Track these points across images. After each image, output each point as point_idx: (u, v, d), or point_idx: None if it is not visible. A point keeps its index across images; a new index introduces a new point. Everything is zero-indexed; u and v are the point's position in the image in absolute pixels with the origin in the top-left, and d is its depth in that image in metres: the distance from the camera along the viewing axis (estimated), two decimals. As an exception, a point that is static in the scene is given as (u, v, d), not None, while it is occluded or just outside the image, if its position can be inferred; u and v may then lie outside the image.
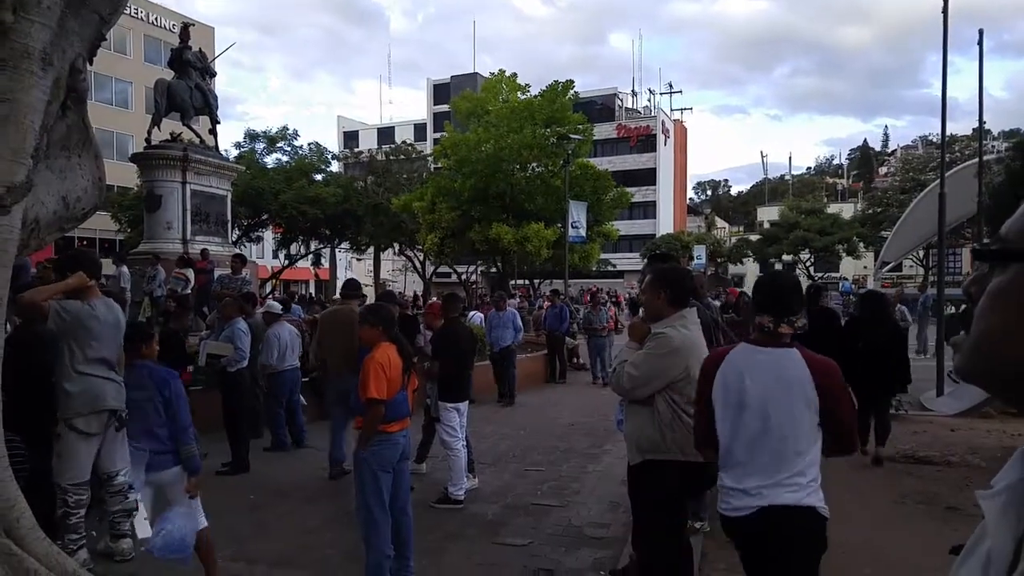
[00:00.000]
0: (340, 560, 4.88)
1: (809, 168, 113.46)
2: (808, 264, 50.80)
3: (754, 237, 58.59)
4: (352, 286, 8.14)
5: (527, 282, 36.32)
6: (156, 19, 43.90)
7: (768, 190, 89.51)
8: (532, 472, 7.35)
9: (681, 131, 69.80)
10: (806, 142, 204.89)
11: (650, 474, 3.33)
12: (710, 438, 2.85)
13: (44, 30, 2.93)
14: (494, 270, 33.89)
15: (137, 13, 41.58)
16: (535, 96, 28.66)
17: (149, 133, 15.88)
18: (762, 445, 2.72)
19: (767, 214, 66.35)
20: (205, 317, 11.85)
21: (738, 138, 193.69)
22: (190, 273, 13.25)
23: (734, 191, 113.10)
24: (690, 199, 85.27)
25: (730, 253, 58.34)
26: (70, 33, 3.28)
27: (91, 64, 3.79)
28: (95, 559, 3.86)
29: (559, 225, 26.56)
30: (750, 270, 64.00)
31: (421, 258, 38.06)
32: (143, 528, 3.89)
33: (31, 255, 4.29)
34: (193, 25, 19.48)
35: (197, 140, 16.42)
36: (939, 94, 11.56)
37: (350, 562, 4.73)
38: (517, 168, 28.00)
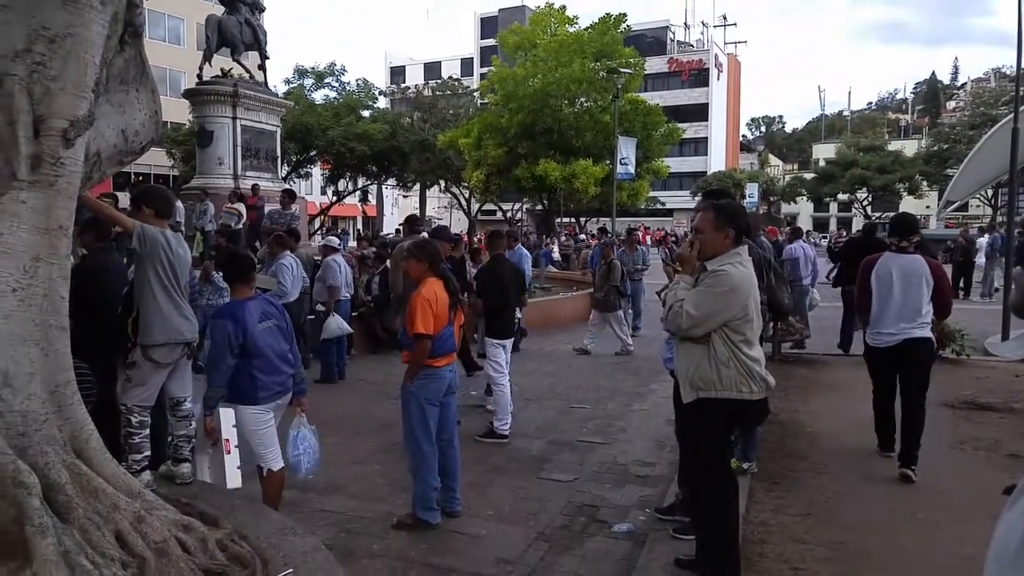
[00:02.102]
0: (388, 489, 5.04)
1: (870, 103, 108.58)
2: (865, 203, 49.10)
3: (809, 175, 56.77)
4: (441, 231, 8.27)
5: (573, 220, 36.01)
6: (207, -47, 43.61)
7: (825, 127, 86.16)
8: (577, 409, 7.41)
9: (735, 65, 67.23)
10: (868, 77, 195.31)
11: (702, 412, 3.31)
12: (866, 307, 5.30)
13: (98, -40, 2.91)
14: (540, 207, 33.66)
15: (189, -52, 41.34)
16: (585, 29, 27.80)
17: (200, 69, 15.98)
18: (903, 306, 5.12)
19: (823, 151, 64.05)
20: (256, 252, 12.10)
21: (795, 73, 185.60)
22: (242, 208, 13.44)
23: (789, 128, 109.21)
24: (743, 136, 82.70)
25: (783, 192, 56.74)
26: (124, -35, 3.26)
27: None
28: (157, 481, 4.04)
29: (607, 162, 26.09)
30: (803, 209, 62.15)
31: (467, 195, 37.99)
32: (234, 478, 4.01)
33: (91, 188, 4.36)
34: (243, -41, 19.26)
35: (247, 75, 16.46)
36: (1013, 23, 10.80)
37: (398, 491, 4.87)
38: (565, 103, 27.41)
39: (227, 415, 4.03)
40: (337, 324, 8.46)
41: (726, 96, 64.58)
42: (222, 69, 16.18)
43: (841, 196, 48.93)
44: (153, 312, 4.03)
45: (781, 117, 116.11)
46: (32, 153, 2.86)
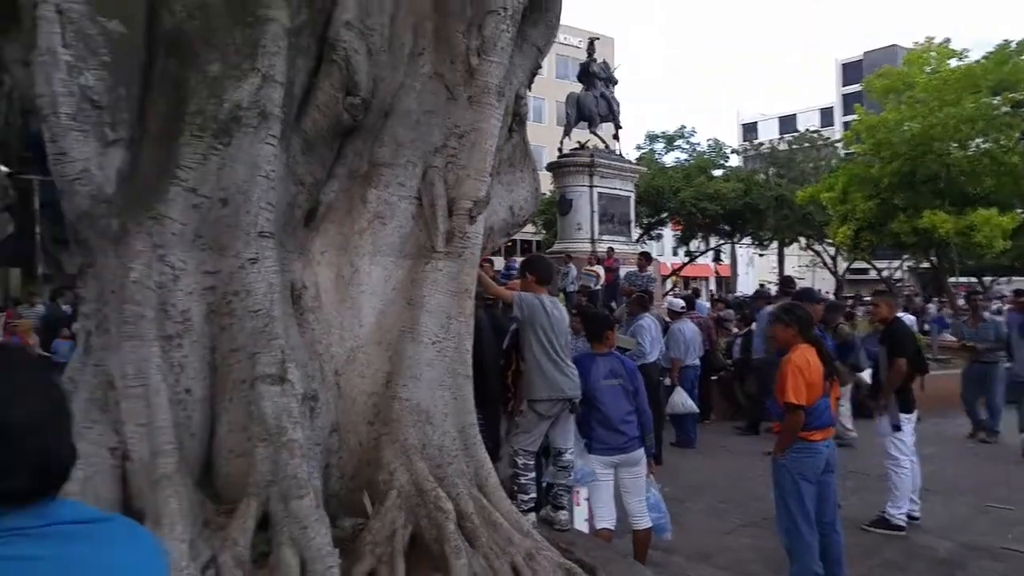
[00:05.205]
0: (760, 565, 4.78)
1: None
2: None
3: None
4: (808, 293, 7.91)
5: (973, 279, 30.86)
6: (565, 38, 48.57)
7: None
8: (998, 510, 6.18)
9: None
10: None
11: None
12: None
13: (499, 67, 3.45)
14: (926, 265, 29.55)
15: (551, 36, 46.49)
16: (976, 61, 24.20)
17: (561, 143, 17.67)
18: None
19: None
20: (612, 312, 12.66)
21: None
22: (600, 270, 14.28)
23: None
24: None
25: None
26: (516, 67, 3.82)
27: (529, 90, 4.36)
28: (538, 524, 4.40)
29: (1020, 211, 21.93)
30: None
31: (832, 252, 35.22)
32: (580, 524, 4.37)
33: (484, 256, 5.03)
34: (598, 39, 21.03)
35: (602, 146, 17.72)
36: None
37: (772, 570, 4.59)
38: (954, 146, 23.94)
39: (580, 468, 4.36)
40: (682, 401, 8.26)
41: None
42: (579, 141, 17.66)
43: None
44: (536, 371, 4.42)
45: None
46: (446, 230, 3.46)
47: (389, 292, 3.44)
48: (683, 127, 35.87)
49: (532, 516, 4.28)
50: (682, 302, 9.95)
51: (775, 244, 37.35)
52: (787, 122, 64.55)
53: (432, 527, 2.89)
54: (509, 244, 36.08)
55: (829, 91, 66.76)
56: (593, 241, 16.58)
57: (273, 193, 2.98)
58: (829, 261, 36.28)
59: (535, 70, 4.28)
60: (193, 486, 2.75)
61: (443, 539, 2.82)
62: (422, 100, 3.47)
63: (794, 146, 38.11)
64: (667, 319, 9.44)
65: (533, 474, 4.49)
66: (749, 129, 68.07)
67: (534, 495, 4.46)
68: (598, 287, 13.52)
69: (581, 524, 4.39)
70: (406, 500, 3.00)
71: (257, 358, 2.83)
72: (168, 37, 3.03)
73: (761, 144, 44.16)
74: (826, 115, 63.35)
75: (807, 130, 42.21)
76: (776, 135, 50.76)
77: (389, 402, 3.25)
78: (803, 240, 36.08)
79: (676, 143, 35.77)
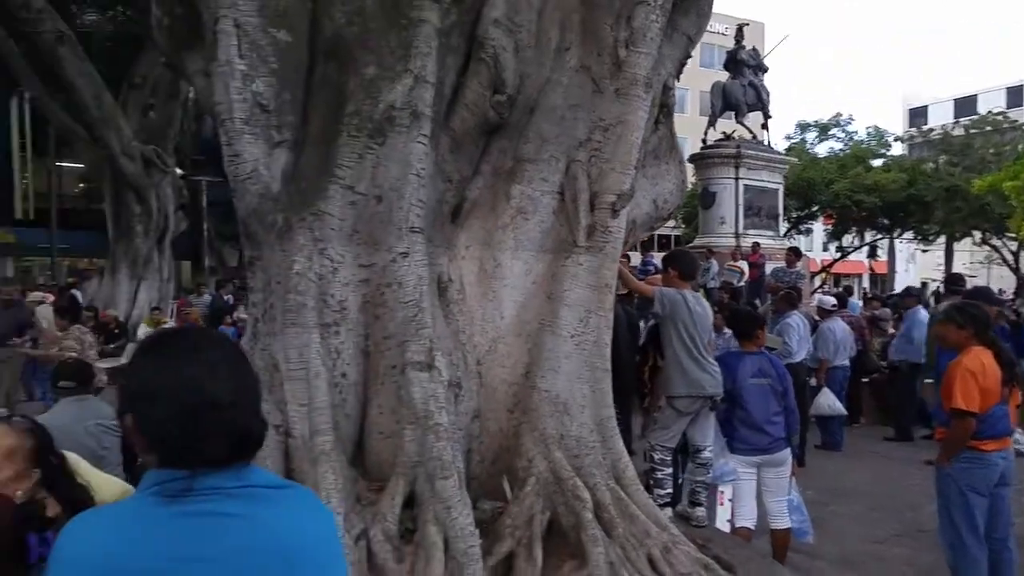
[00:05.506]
0: (915, 581, 4.45)
1: None
2: None
3: None
4: (982, 292, 7.19)
5: None
6: (711, 25, 46.80)
7: None
8: None
9: None
10: None
11: None
12: None
13: (648, 58, 3.40)
14: None
15: (695, 24, 45.15)
16: None
17: (705, 134, 17.10)
18: None
19: None
20: (755, 308, 12.12)
21: None
22: (744, 266, 13.74)
23: None
24: None
25: None
26: (665, 57, 3.75)
27: (678, 80, 4.26)
28: (675, 519, 4.35)
29: None
30: None
31: (1014, 248, 31.82)
32: (722, 524, 4.29)
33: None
34: (747, 24, 20.11)
35: (749, 136, 16.98)
36: None
37: (928, 587, 4.27)
38: None
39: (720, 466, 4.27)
40: (828, 403, 7.84)
41: None
42: (724, 132, 17.01)
43: None
44: (676, 368, 4.37)
45: None
46: (588, 224, 3.47)
47: (529, 286, 3.51)
48: (838, 115, 33.69)
49: (668, 511, 4.23)
50: (833, 300, 9.48)
51: (942, 239, 34.20)
52: (965, 105, 58.50)
53: (569, 515, 2.93)
54: (646, 239, 35.36)
55: (1019, 68, 59.97)
56: (737, 236, 15.98)
57: (423, 190, 3.12)
58: (1010, 257, 32.77)
59: (684, 60, 4.20)
60: (347, 463, 2.95)
61: (580, 527, 2.86)
62: (568, 94, 3.49)
63: (972, 131, 34.61)
64: (816, 317, 9.01)
65: (670, 470, 4.47)
66: (917, 114, 62.51)
67: (670, 490, 4.44)
68: (741, 283, 13.04)
69: (723, 524, 4.29)
70: (544, 487, 3.06)
71: (407, 346, 2.98)
72: (328, 43, 3.24)
73: (931, 130, 40.56)
74: (1014, 95, 56.76)
75: (989, 112, 38.19)
76: (950, 119, 46.37)
77: (528, 392, 3.33)
78: (977, 234, 32.80)
79: (830, 132, 33.66)
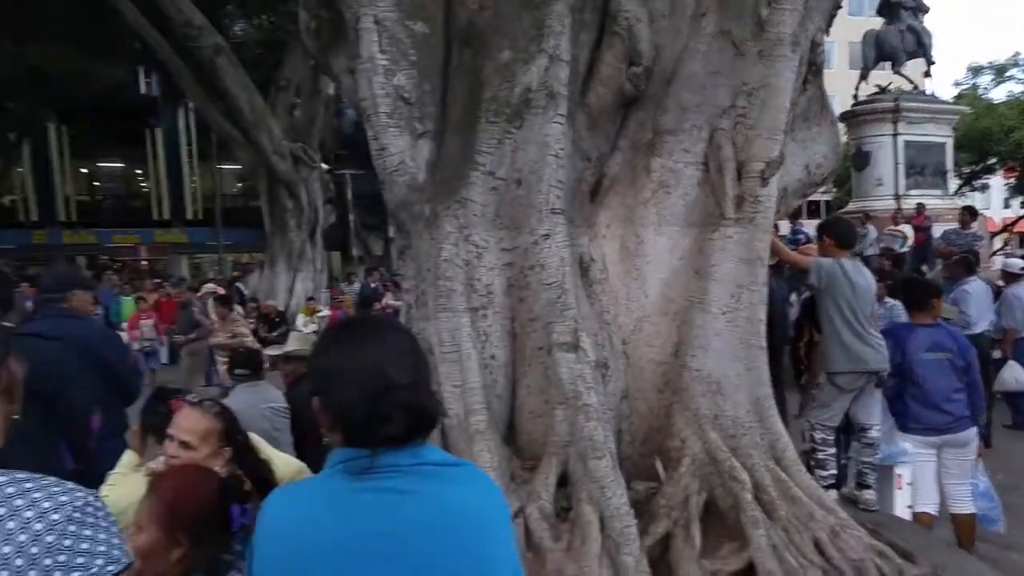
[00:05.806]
0: None
1: None
2: None
3: None
4: None
5: None
6: (861, -34, 43.16)
7: None
8: None
9: None
10: None
11: None
12: None
13: (793, 15, 3.19)
14: None
15: (842, -32, 41.64)
16: None
17: (857, 88, 15.81)
18: None
19: None
20: (922, 275, 11.14)
21: None
22: (908, 230, 12.65)
23: None
24: None
25: None
26: (811, 10, 3.48)
27: (827, 34, 3.96)
28: (841, 502, 4.11)
29: None
30: None
31: None
32: (901, 510, 4.01)
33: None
34: (904, -40, 18.31)
35: (909, 86, 15.51)
36: None
37: None
38: None
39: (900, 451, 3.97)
40: (1016, 377, 7.04)
41: None
42: (878, 85, 15.62)
43: None
44: (835, 342, 4.13)
45: None
46: (736, 195, 3.32)
47: (675, 262, 3.41)
48: (1016, 53, 30.06)
49: (832, 493, 4.00)
50: (1021, 262, 8.47)
51: None
52: None
53: (727, 496, 2.85)
54: (795, 207, 33.35)
55: None
56: (897, 197, 14.72)
57: (562, 171, 3.11)
58: None
59: (835, 10, 3.90)
60: (501, 442, 3.02)
61: (739, 509, 2.77)
62: (707, 61, 3.34)
63: None
64: (999, 283, 8.12)
65: (833, 450, 4.23)
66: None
67: (834, 471, 4.20)
68: (904, 249, 12.02)
69: (902, 510, 4.00)
70: (699, 468, 2.99)
71: (552, 327, 3.00)
72: (462, 31, 3.29)
73: None
74: None
75: None
76: None
77: (678, 371, 3.25)
78: None
79: (1008, 73, 30.08)
